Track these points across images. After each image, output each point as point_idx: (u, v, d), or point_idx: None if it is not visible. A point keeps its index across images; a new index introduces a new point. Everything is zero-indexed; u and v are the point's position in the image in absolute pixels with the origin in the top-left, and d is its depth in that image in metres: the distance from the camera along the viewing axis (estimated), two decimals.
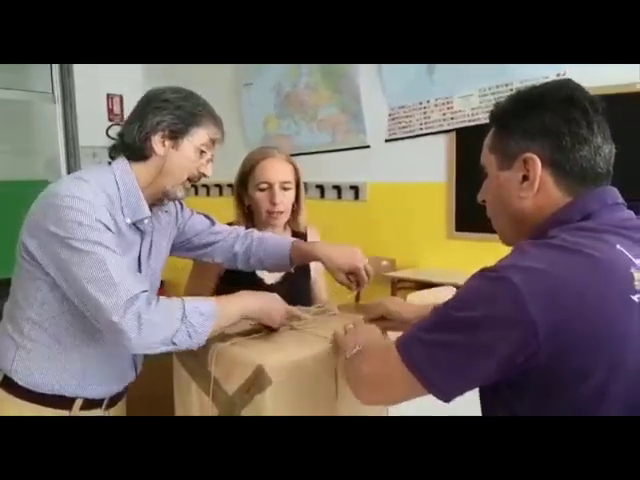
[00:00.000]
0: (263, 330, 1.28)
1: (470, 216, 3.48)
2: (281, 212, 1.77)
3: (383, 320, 1.36)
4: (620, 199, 0.94)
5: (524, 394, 0.84)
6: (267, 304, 1.29)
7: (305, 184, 4.51)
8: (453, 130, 3.56)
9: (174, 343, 1.13)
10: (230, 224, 1.84)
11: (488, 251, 1.28)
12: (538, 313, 0.76)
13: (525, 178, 0.93)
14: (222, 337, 1.20)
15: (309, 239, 1.94)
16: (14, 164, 4.33)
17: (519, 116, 0.95)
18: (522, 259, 0.83)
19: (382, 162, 4.07)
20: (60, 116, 4.49)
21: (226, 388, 1.13)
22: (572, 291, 0.78)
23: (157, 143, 1.29)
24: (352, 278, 1.47)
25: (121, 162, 1.31)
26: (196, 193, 1.35)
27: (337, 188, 4.40)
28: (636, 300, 0.79)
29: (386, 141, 4.05)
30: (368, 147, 4.16)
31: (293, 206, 1.83)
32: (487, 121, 1.02)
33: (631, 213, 0.94)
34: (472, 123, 3.45)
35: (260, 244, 1.61)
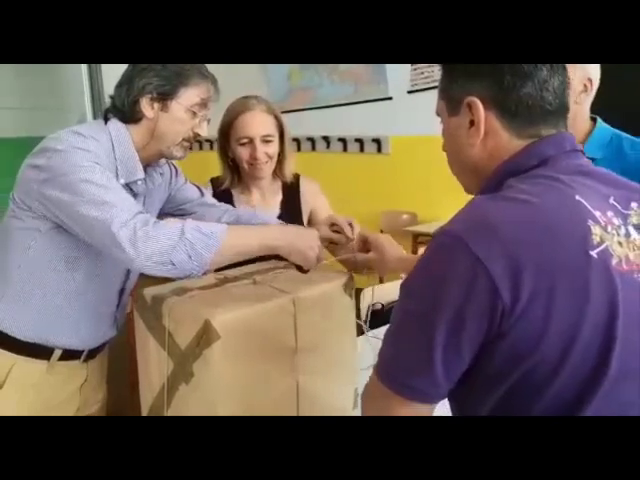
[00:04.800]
0: (227, 284, 1.26)
1: None
2: (264, 163, 1.74)
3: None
4: (578, 146, 0.87)
5: (479, 374, 0.77)
6: (297, 240, 1.25)
7: (328, 138, 4.54)
8: None
9: (173, 263, 1.09)
10: (216, 179, 1.84)
11: None
12: (498, 274, 0.70)
13: (472, 123, 0.87)
14: (180, 290, 1.20)
15: (302, 191, 1.90)
16: (43, 120, 4.40)
17: None
18: (476, 217, 0.76)
19: (405, 114, 3.97)
20: (85, 71, 4.53)
21: (179, 342, 1.13)
22: (529, 247, 0.71)
23: (145, 106, 1.28)
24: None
25: (116, 123, 1.31)
26: (190, 148, 1.36)
27: (359, 141, 4.33)
28: (594, 256, 0.72)
29: (408, 92, 3.95)
30: (390, 99, 4.07)
31: (279, 156, 1.79)
32: None
33: (588, 161, 0.87)
34: None
35: (248, 222, 1.59)
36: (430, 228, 3.78)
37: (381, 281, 2.33)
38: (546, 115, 0.85)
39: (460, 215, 0.78)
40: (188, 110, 1.30)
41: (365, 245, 1.41)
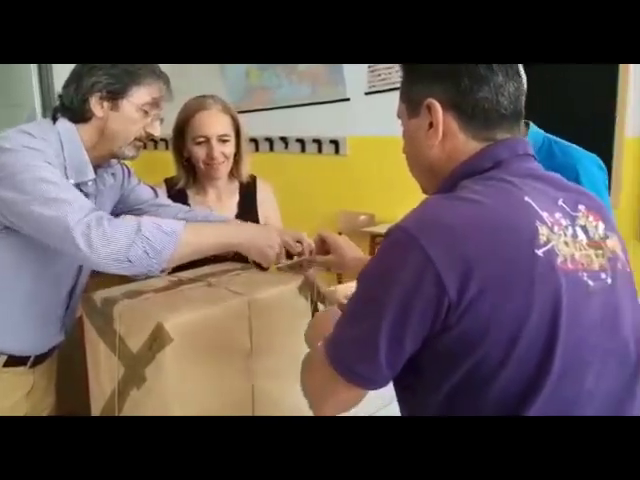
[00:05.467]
0: (181, 286, 1.24)
1: None
2: (220, 163, 1.72)
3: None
4: (531, 151, 0.90)
5: (427, 367, 0.80)
6: (256, 238, 1.25)
7: (286, 139, 4.51)
8: None
9: (130, 260, 1.07)
10: (171, 179, 1.81)
11: None
12: (446, 270, 0.72)
13: (431, 125, 0.88)
14: (132, 293, 1.17)
15: (259, 192, 1.88)
16: None
17: None
18: (428, 215, 0.79)
19: (362, 115, 3.98)
20: (35, 67, 4.41)
21: (130, 346, 1.10)
22: (478, 246, 0.74)
23: (95, 105, 1.24)
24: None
25: (65, 122, 1.26)
26: (144, 147, 1.33)
27: (317, 142, 4.32)
28: (540, 254, 0.75)
29: (366, 94, 3.96)
30: (348, 100, 4.07)
31: (235, 156, 1.77)
32: None
33: (539, 165, 0.90)
34: None
35: (204, 221, 1.58)
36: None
37: (339, 281, 2.33)
38: (501, 119, 0.87)
39: (414, 213, 0.80)
40: (139, 109, 1.27)
41: (324, 246, 1.41)
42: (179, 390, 1.07)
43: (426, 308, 0.74)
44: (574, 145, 1.73)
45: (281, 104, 4.46)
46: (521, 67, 1.30)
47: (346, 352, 0.82)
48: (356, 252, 1.39)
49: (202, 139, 1.70)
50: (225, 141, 1.71)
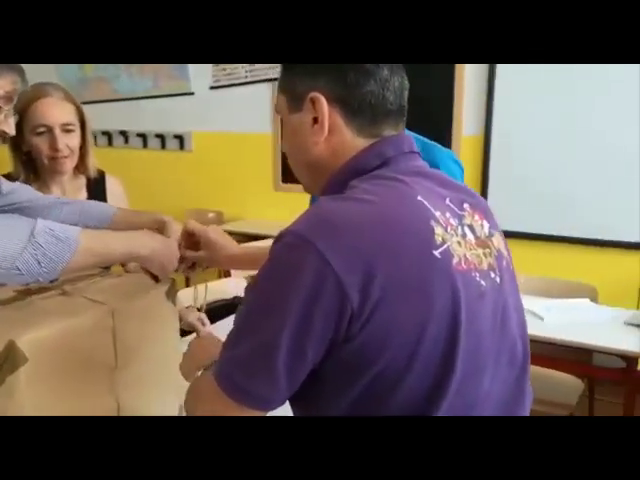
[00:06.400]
0: (31, 296, 1.11)
1: None
2: (65, 157, 1.57)
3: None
4: (416, 148, 0.88)
5: (330, 377, 0.76)
6: (162, 249, 1.15)
7: (126, 133, 4.29)
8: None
9: (19, 269, 0.94)
10: (8, 175, 1.62)
11: None
12: (345, 275, 0.69)
13: (316, 120, 0.84)
14: None
15: (109, 189, 1.76)
16: None
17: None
18: (322, 217, 0.75)
19: (208, 110, 3.90)
20: None
21: None
22: (377, 248, 0.71)
23: None
24: None
25: None
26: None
27: (161, 137, 4.17)
28: (438, 255, 0.73)
29: (211, 88, 3.88)
30: (192, 94, 3.97)
31: (81, 149, 1.63)
32: None
33: (425, 163, 0.89)
34: None
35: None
36: (237, 227, 3.75)
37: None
38: (388, 115, 0.85)
39: (305, 216, 0.76)
40: None
41: (191, 239, 1.26)
42: (35, 414, 0.95)
43: (328, 314, 0.70)
44: (433, 142, 1.80)
45: (120, 96, 4.25)
46: None
47: (237, 370, 0.75)
48: (230, 245, 1.27)
49: (43, 129, 1.53)
50: (69, 131, 1.57)
